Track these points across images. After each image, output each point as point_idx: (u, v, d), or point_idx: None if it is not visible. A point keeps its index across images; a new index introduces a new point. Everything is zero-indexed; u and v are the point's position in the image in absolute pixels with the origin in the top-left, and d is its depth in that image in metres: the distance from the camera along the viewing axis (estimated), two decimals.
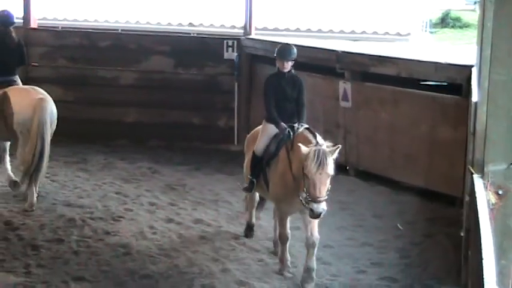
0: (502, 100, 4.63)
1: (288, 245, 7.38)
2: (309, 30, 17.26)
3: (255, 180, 7.52)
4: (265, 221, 8.50)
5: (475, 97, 6.48)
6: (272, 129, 7.37)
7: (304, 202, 6.58)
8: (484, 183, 4.74)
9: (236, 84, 12.14)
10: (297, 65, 7.57)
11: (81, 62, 12.51)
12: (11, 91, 9.12)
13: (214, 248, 8.01)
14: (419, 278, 7.35)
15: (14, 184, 9.63)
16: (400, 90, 10.05)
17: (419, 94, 9.86)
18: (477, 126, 5.64)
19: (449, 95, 9.46)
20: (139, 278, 7.23)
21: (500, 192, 4.64)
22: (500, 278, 4.17)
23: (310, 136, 6.91)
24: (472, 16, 34.82)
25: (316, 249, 7.00)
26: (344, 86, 10.58)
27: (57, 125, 9.24)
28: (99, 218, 8.86)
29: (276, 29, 16.97)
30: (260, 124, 7.85)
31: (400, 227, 8.76)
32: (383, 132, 10.24)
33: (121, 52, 12.40)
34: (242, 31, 12.39)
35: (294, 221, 7.62)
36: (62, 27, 16.05)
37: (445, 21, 37.52)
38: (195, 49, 12.33)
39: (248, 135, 8.19)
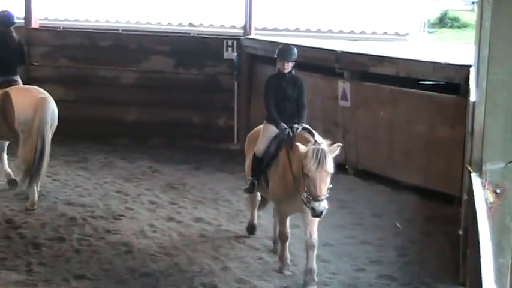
0: (500, 99, 4.63)
1: (287, 243, 7.38)
2: (308, 30, 17.26)
3: (255, 182, 7.50)
4: (265, 220, 8.50)
5: (473, 96, 6.49)
6: (272, 129, 7.35)
7: (305, 201, 6.57)
8: (482, 182, 4.73)
9: (236, 83, 12.14)
10: (296, 65, 7.56)
11: (82, 61, 12.52)
12: (12, 90, 9.12)
13: (215, 247, 8.01)
14: (417, 276, 7.36)
15: (12, 182, 9.65)
16: (398, 89, 10.05)
17: (417, 94, 9.86)
18: (475, 125, 5.64)
19: (447, 95, 9.46)
20: (140, 276, 7.23)
21: (498, 190, 4.64)
22: (498, 276, 4.17)
23: (308, 135, 6.90)
24: (470, 16, 34.85)
25: (315, 251, 6.99)
26: (343, 86, 10.58)
27: (58, 124, 9.24)
28: (100, 216, 8.86)
29: (275, 29, 16.97)
30: (260, 123, 7.85)
31: (398, 225, 8.76)
32: (382, 131, 10.24)
33: (122, 52, 12.40)
34: (242, 31, 12.40)
35: (293, 220, 7.62)
36: (63, 27, 16.06)
37: (443, 21, 37.55)
38: (195, 49, 12.33)
39: (249, 135, 8.17)
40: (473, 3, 37.07)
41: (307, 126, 7.12)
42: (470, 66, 8.48)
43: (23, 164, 9.02)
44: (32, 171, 8.86)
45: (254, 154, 7.47)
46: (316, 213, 6.48)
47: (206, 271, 7.35)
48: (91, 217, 8.81)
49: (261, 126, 7.66)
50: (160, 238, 8.25)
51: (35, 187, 9.03)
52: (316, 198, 6.42)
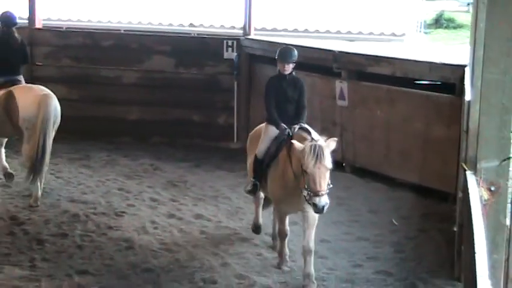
0: (494, 99, 4.63)
1: (287, 240, 7.39)
2: (306, 31, 17.24)
3: (258, 183, 7.47)
4: (264, 217, 8.49)
5: (468, 96, 6.50)
6: (273, 130, 7.31)
7: (306, 198, 6.55)
8: (477, 180, 4.74)
9: (235, 83, 12.14)
10: (295, 65, 7.55)
11: (85, 61, 12.51)
12: (15, 89, 9.14)
13: (214, 243, 8.01)
14: (413, 272, 7.36)
15: (8, 175, 9.67)
16: (395, 89, 10.05)
17: (414, 93, 9.86)
18: (470, 124, 5.64)
19: (443, 94, 9.46)
20: (142, 271, 7.23)
21: (492, 188, 4.64)
22: (492, 272, 4.18)
23: (305, 134, 6.90)
24: (465, 17, 34.83)
25: (312, 256, 6.98)
26: (341, 85, 10.58)
27: (61, 123, 9.25)
28: (102, 213, 8.87)
29: (274, 30, 16.95)
30: (259, 122, 7.83)
31: (395, 222, 8.76)
32: (379, 130, 10.25)
33: (123, 52, 12.39)
34: (241, 31, 12.38)
35: (292, 217, 7.61)
36: (66, 28, 16.05)
37: (439, 22, 37.53)
38: (196, 49, 12.32)
39: (251, 133, 8.10)
40: (468, 4, 37.08)
41: (304, 125, 7.12)
42: (465, 66, 8.48)
43: (27, 161, 9.02)
44: (35, 167, 8.87)
45: (255, 155, 7.44)
46: (318, 209, 6.45)
47: (206, 267, 7.35)
48: (93, 214, 8.82)
49: (263, 124, 7.63)
50: (161, 234, 8.25)
51: (39, 183, 9.04)
52: (317, 194, 6.40)
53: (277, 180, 7.06)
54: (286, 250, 7.43)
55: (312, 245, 6.96)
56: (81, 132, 11.96)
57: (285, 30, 17.16)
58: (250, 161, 7.69)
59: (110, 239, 8.05)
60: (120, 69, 12.45)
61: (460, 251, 6.75)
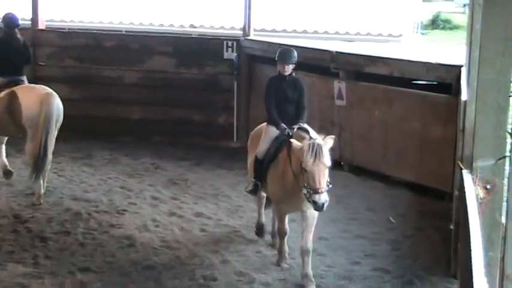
0: (490, 98, 4.63)
1: (286, 238, 7.38)
2: (305, 32, 17.23)
3: (259, 183, 7.46)
4: (264, 215, 8.49)
5: (464, 96, 6.50)
6: (273, 131, 7.29)
7: (306, 196, 6.52)
8: (473, 178, 4.74)
9: (235, 83, 12.13)
10: (295, 66, 7.53)
11: (87, 61, 12.50)
12: (18, 89, 9.13)
13: (215, 241, 8.01)
14: (410, 269, 7.36)
15: (7, 173, 9.67)
16: (392, 89, 10.05)
17: (410, 93, 9.86)
18: (466, 123, 5.64)
19: (439, 94, 9.46)
20: (143, 269, 7.23)
21: (488, 186, 4.64)
22: (488, 269, 4.17)
23: (303, 133, 6.89)
24: (462, 18, 34.85)
25: (310, 256, 6.96)
26: (339, 85, 10.58)
27: (64, 122, 9.24)
28: (104, 211, 8.86)
29: (273, 30, 16.94)
30: (259, 121, 7.82)
31: (392, 220, 8.76)
32: (376, 129, 10.24)
33: (125, 52, 12.39)
34: (241, 32, 12.38)
35: (290, 215, 7.60)
36: (68, 29, 16.05)
37: (436, 23, 37.56)
38: (196, 49, 12.32)
39: (252, 133, 8.05)
40: (464, 5, 37.09)
41: (303, 125, 7.11)
42: (461, 66, 8.48)
43: (30, 159, 9.02)
44: (37, 164, 8.87)
45: (256, 156, 7.42)
46: (317, 207, 6.41)
47: (206, 264, 7.35)
48: (95, 212, 8.82)
49: (264, 124, 7.61)
50: (162, 232, 8.25)
51: (42, 182, 9.04)
52: (316, 191, 6.37)
53: (277, 180, 7.04)
54: (286, 248, 7.42)
55: (310, 245, 6.95)
56: (84, 132, 11.96)
57: (284, 31, 17.16)
58: (250, 160, 7.68)
59: (112, 237, 8.05)
60: (121, 70, 12.45)
61: (456, 248, 6.74)
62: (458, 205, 6.23)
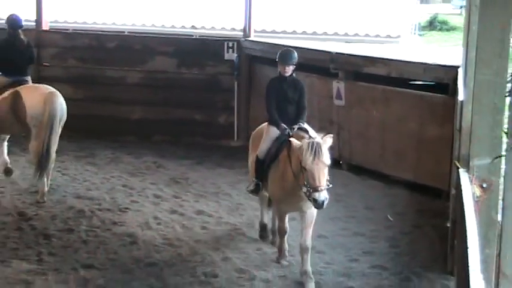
0: (486, 99, 4.62)
1: (286, 236, 7.38)
2: (304, 33, 17.22)
3: (260, 183, 7.45)
4: None
5: (461, 96, 6.50)
6: (274, 131, 7.27)
7: (306, 195, 6.51)
8: (470, 177, 4.73)
9: (236, 83, 12.14)
10: (295, 67, 7.53)
11: (90, 62, 12.51)
12: (22, 89, 9.15)
13: (215, 238, 8.02)
14: (408, 266, 7.37)
15: (7, 171, 9.67)
16: (390, 89, 10.05)
17: (408, 93, 9.86)
18: (463, 123, 5.65)
19: (437, 94, 9.46)
20: (145, 265, 7.24)
21: (484, 185, 4.64)
22: (484, 266, 4.17)
23: (303, 133, 6.89)
24: (458, 20, 34.84)
25: (309, 254, 6.96)
26: (338, 85, 10.58)
27: (67, 122, 9.25)
28: (106, 209, 8.87)
29: (273, 31, 16.93)
30: (259, 121, 7.81)
31: (390, 218, 8.77)
32: (374, 129, 10.25)
33: (127, 53, 12.39)
34: (242, 33, 12.38)
35: (290, 213, 7.60)
36: (72, 29, 16.03)
37: (433, 25, 37.55)
38: (197, 50, 12.32)
39: (253, 133, 8.03)
40: (461, 7, 37.12)
41: (303, 125, 7.11)
42: (458, 67, 8.49)
43: (34, 158, 9.03)
44: (41, 163, 8.88)
45: (257, 156, 7.41)
46: (318, 205, 6.40)
47: (207, 261, 7.36)
48: (98, 210, 8.83)
49: (265, 124, 7.60)
50: (164, 230, 8.25)
51: (45, 179, 9.05)
52: (316, 189, 6.36)
53: (278, 180, 7.03)
54: (286, 245, 7.42)
55: (309, 243, 6.96)
56: (87, 131, 11.97)
57: (284, 32, 17.14)
58: (251, 159, 7.68)
59: (114, 234, 8.05)
60: (124, 70, 12.45)
61: (453, 246, 6.75)
62: (455, 203, 6.23)
